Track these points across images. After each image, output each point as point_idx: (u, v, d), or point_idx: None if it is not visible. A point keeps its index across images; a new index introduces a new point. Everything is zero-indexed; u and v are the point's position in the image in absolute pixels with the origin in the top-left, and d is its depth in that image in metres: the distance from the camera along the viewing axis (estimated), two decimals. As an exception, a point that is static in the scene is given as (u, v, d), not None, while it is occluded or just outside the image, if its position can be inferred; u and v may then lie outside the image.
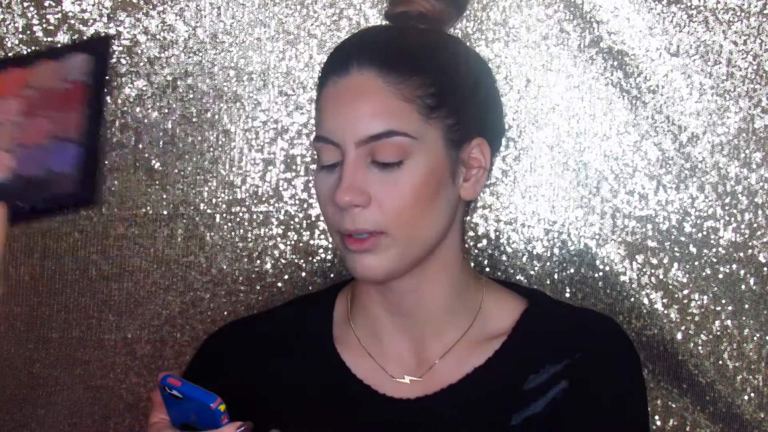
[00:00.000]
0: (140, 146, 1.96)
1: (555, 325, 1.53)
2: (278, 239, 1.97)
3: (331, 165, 1.45)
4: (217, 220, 1.97)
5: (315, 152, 1.49)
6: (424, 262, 1.49)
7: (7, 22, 1.93)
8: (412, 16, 1.50)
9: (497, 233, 1.96)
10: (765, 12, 1.89)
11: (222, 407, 1.32)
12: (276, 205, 1.97)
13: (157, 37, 1.95)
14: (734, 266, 1.91)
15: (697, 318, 1.92)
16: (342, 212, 1.43)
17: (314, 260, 1.97)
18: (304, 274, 1.97)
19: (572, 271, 1.94)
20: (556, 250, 1.95)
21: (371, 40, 1.50)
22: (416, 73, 1.44)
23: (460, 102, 1.46)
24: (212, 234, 1.97)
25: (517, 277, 1.95)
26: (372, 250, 1.43)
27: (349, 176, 1.43)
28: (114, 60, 1.95)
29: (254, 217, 1.97)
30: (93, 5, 1.94)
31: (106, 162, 1.96)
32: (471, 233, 1.94)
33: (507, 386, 1.50)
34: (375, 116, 1.43)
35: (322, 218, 1.88)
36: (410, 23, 1.50)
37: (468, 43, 1.83)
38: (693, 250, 1.92)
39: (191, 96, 1.96)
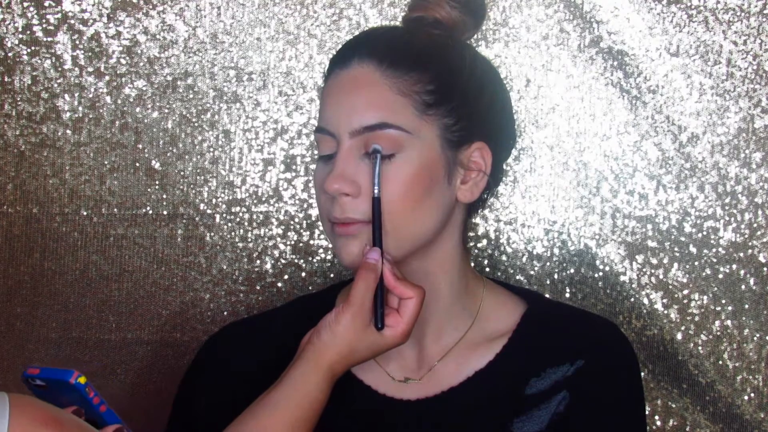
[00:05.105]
0: (140, 146, 1.96)
1: (555, 327, 1.53)
2: (278, 239, 1.97)
3: (327, 156, 1.46)
4: (217, 220, 1.97)
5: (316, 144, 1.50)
6: (421, 263, 1.48)
7: (7, 22, 1.93)
8: (428, 21, 1.49)
9: (497, 233, 1.96)
10: (765, 12, 1.89)
11: (82, 379, 1.28)
12: (276, 205, 1.97)
13: (157, 37, 1.95)
14: (734, 266, 1.91)
15: (697, 318, 1.92)
16: (333, 200, 1.44)
17: (314, 260, 1.97)
18: (304, 274, 1.97)
19: (572, 271, 1.94)
20: (556, 250, 1.95)
21: (376, 36, 1.51)
22: (415, 69, 1.45)
23: (460, 103, 1.46)
24: (212, 234, 1.97)
25: (517, 277, 1.95)
26: (357, 235, 1.43)
27: (340, 165, 1.44)
28: (114, 60, 1.95)
29: (254, 217, 1.97)
30: (93, 5, 1.94)
31: (106, 162, 1.96)
32: (471, 233, 1.94)
33: (508, 390, 1.50)
34: (369, 108, 1.44)
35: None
36: (425, 29, 1.49)
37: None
38: (693, 250, 1.92)
39: (191, 96, 1.96)
